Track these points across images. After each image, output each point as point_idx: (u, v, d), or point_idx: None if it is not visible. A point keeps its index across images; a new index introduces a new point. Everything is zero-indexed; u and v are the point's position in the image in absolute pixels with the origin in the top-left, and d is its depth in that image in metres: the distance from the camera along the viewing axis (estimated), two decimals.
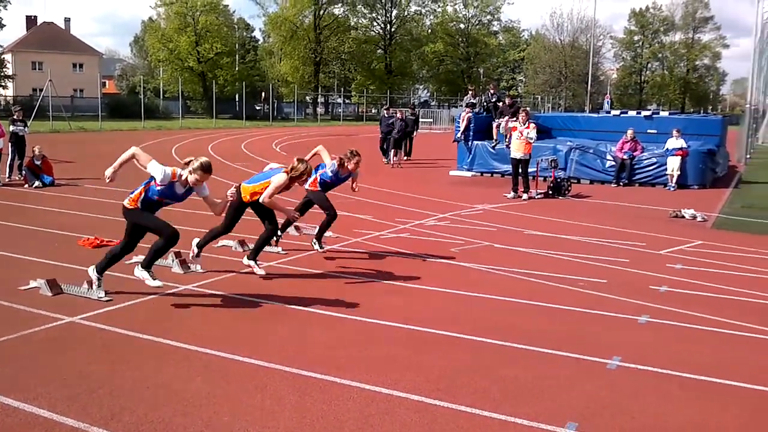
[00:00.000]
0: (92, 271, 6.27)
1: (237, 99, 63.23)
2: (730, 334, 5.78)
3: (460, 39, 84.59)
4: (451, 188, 15.66)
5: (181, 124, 43.79)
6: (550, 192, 14.52)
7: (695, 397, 4.50)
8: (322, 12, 71.64)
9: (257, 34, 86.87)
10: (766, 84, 48.37)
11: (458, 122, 19.42)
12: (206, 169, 5.92)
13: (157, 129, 38.76)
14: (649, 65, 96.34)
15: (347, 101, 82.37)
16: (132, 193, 6.03)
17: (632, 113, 21.55)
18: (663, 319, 6.08)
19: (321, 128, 49.42)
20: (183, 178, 5.92)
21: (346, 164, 8.19)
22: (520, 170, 14.01)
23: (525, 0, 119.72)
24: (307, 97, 73.36)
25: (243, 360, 4.86)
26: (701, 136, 17.86)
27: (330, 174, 8.22)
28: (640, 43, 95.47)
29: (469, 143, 18.83)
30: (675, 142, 16.33)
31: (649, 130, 18.61)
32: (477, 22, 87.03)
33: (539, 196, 14.34)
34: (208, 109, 57.02)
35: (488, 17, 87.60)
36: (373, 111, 70.58)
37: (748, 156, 26.08)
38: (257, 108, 66.63)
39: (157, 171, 5.79)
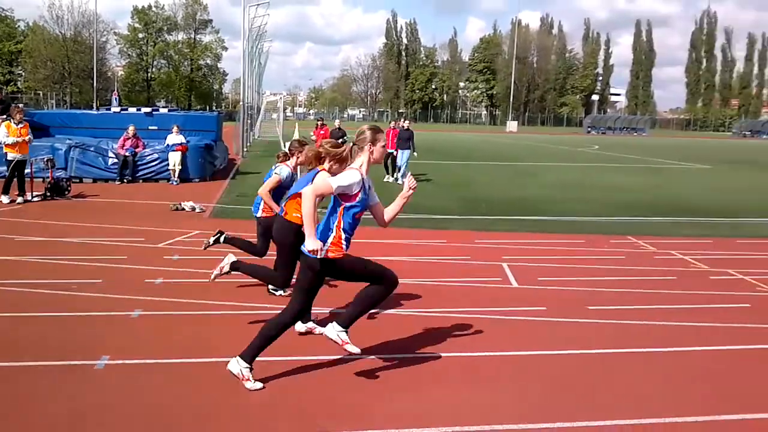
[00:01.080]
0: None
1: None
2: (219, 314, 6.26)
3: None
4: None
5: None
6: (48, 194, 13.66)
7: (176, 381, 4.75)
8: None
9: None
10: (258, 83, 53.56)
11: None
12: (377, 128, 4.39)
13: None
14: (156, 63, 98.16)
15: None
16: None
17: (133, 110, 21.67)
18: (156, 311, 6.27)
19: None
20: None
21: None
22: (15, 172, 12.89)
23: None
24: None
25: None
26: (199, 132, 18.96)
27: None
28: (145, 40, 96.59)
29: None
30: (175, 138, 16.95)
31: (150, 127, 18.98)
32: None
33: (37, 198, 13.38)
34: None
35: None
36: None
37: (245, 149, 28.53)
38: None
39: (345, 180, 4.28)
